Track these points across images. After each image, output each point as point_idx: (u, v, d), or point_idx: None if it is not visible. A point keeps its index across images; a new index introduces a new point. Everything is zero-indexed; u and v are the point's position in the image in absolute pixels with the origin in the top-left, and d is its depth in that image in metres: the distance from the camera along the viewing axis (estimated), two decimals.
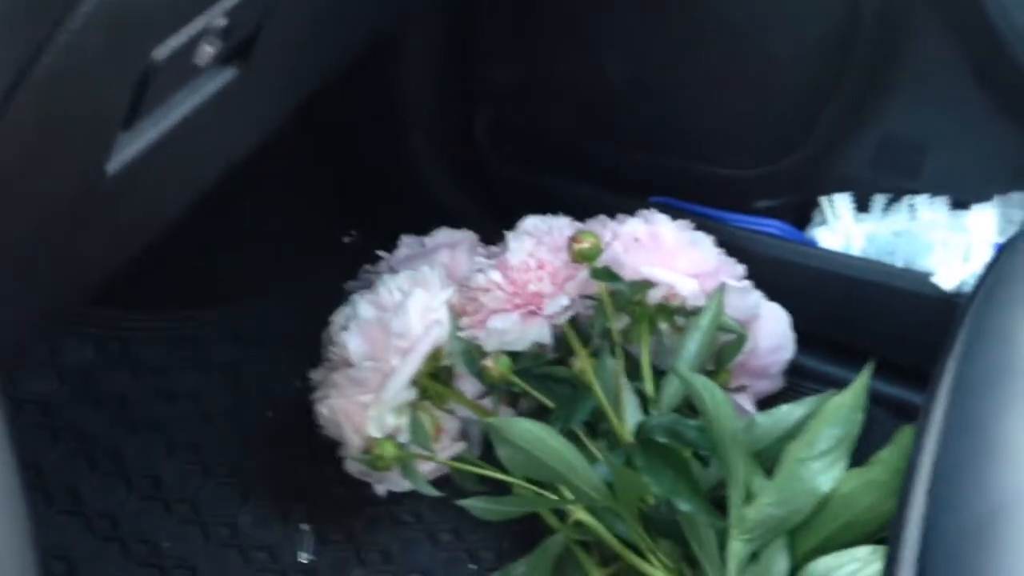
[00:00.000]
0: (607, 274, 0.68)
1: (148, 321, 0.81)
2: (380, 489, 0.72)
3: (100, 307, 0.79)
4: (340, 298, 0.76)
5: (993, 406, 0.42)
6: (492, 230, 0.77)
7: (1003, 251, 0.56)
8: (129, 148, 0.40)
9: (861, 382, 0.63)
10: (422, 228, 0.82)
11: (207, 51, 0.41)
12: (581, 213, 0.75)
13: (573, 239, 0.68)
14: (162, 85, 0.40)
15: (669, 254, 0.71)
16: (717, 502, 0.63)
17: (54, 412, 0.75)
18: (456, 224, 0.82)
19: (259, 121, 0.55)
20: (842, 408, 0.61)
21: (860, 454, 0.70)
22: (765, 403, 0.75)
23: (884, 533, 0.59)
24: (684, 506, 0.61)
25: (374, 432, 0.68)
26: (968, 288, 0.72)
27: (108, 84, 0.37)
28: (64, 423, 0.74)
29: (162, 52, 0.38)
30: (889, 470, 0.59)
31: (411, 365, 0.68)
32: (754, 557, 0.62)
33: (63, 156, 0.37)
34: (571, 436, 0.69)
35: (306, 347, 0.76)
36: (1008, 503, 0.37)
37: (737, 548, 0.61)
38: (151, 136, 0.41)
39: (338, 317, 0.73)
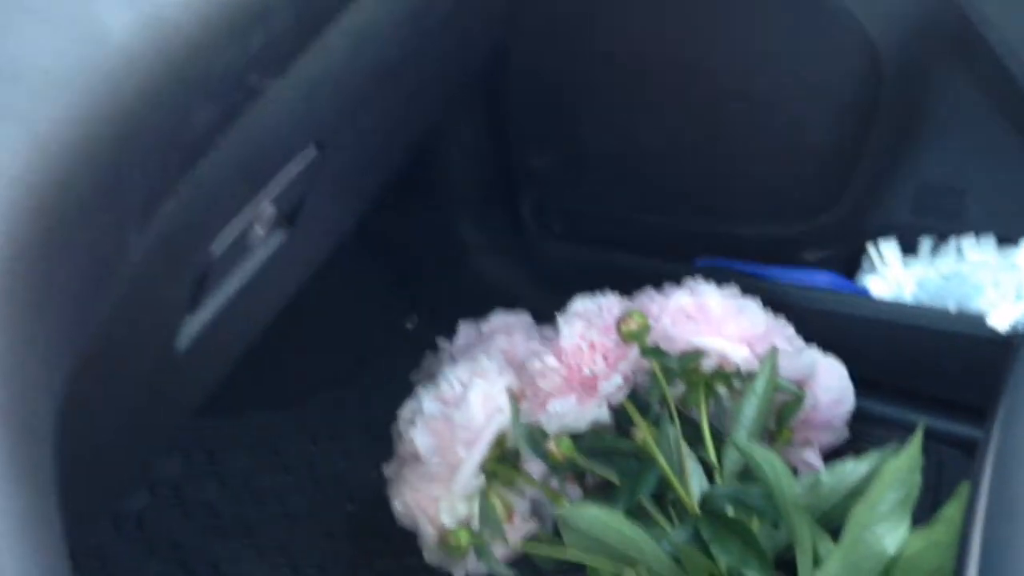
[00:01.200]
0: (657, 352, 0.70)
1: (228, 428, 0.85)
2: (459, 574, 0.74)
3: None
4: (406, 385, 0.79)
5: None
6: (546, 307, 0.79)
7: None
8: (195, 325, 0.43)
9: (915, 442, 0.63)
10: (479, 309, 0.85)
11: (258, 232, 0.44)
12: (630, 283, 0.77)
13: (621, 320, 0.70)
14: (219, 270, 0.43)
15: (717, 323, 0.72)
16: (788, 565, 0.64)
17: (149, 525, 0.79)
18: (511, 303, 0.85)
19: (312, 263, 0.59)
20: (900, 470, 0.61)
21: (935, 498, 0.69)
22: (833, 454, 0.75)
23: None
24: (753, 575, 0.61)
25: (447, 522, 0.70)
26: (1023, 327, 0.71)
27: (171, 286, 0.40)
28: (159, 535, 0.78)
29: (218, 247, 0.41)
30: (952, 530, 0.59)
31: (477, 455, 0.70)
32: None
33: (137, 345, 0.40)
34: (639, 508, 0.70)
35: (378, 436, 0.79)
36: None
37: None
38: (213, 311, 0.44)
39: (405, 412, 0.76)
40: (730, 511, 0.65)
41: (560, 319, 0.74)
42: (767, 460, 0.63)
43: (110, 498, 0.54)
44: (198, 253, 0.41)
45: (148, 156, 0.33)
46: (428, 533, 0.72)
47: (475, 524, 0.71)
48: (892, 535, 0.60)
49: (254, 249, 0.46)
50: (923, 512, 0.63)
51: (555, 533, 0.72)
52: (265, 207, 0.44)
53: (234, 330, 0.50)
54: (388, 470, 0.76)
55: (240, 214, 0.43)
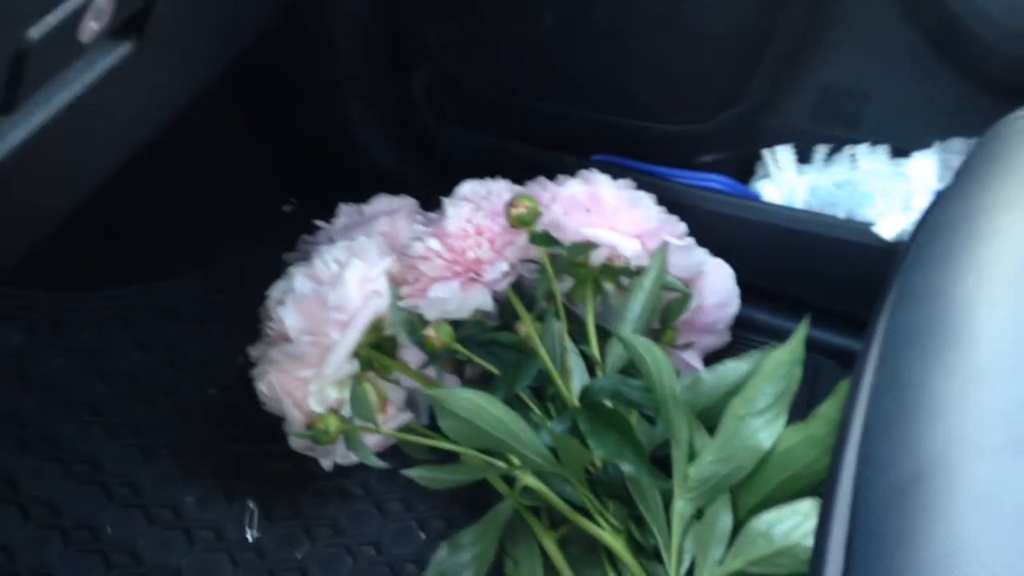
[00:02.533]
0: (546, 239, 0.67)
1: (80, 301, 0.79)
2: (326, 463, 0.71)
3: (28, 288, 0.77)
4: (279, 269, 0.74)
5: (918, 363, 0.41)
6: (433, 194, 0.75)
7: (934, 205, 0.55)
8: (12, 135, 0.38)
9: (798, 337, 0.63)
10: (362, 194, 0.80)
11: (92, 26, 0.38)
12: (522, 173, 0.74)
13: (510, 204, 0.67)
14: (42, 65, 0.37)
15: (610, 215, 0.70)
16: (663, 460, 0.63)
17: None
18: (397, 189, 0.81)
19: (166, 96, 0.53)
20: (780, 364, 0.61)
21: (808, 405, 0.70)
22: (712, 358, 0.75)
23: (824, 484, 0.60)
24: (628, 468, 0.60)
25: (316, 407, 0.67)
26: (907, 236, 0.72)
27: None
28: None
29: (36, 31, 0.35)
30: (828, 425, 0.59)
31: (351, 338, 0.67)
32: (699, 515, 0.62)
33: None
34: (518, 401, 0.68)
35: (246, 321, 0.74)
36: (931, 465, 0.37)
37: (681, 507, 0.61)
38: (36, 120, 0.39)
39: (275, 291, 0.71)
40: (609, 406, 0.64)
41: (446, 202, 0.71)
42: (649, 351, 0.62)
43: None
44: (10, 32, 0.35)
45: None
46: (295, 418, 0.68)
47: (346, 411, 0.68)
48: (768, 429, 0.60)
49: (90, 54, 0.40)
50: (796, 419, 0.63)
51: (429, 425, 0.70)
52: None
53: (64, 157, 0.44)
54: (254, 351, 0.72)
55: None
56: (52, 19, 0.36)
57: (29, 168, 0.40)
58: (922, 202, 0.73)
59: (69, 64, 0.40)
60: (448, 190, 0.72)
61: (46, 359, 0.75)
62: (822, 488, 0.59)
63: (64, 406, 0.73)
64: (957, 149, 0.75)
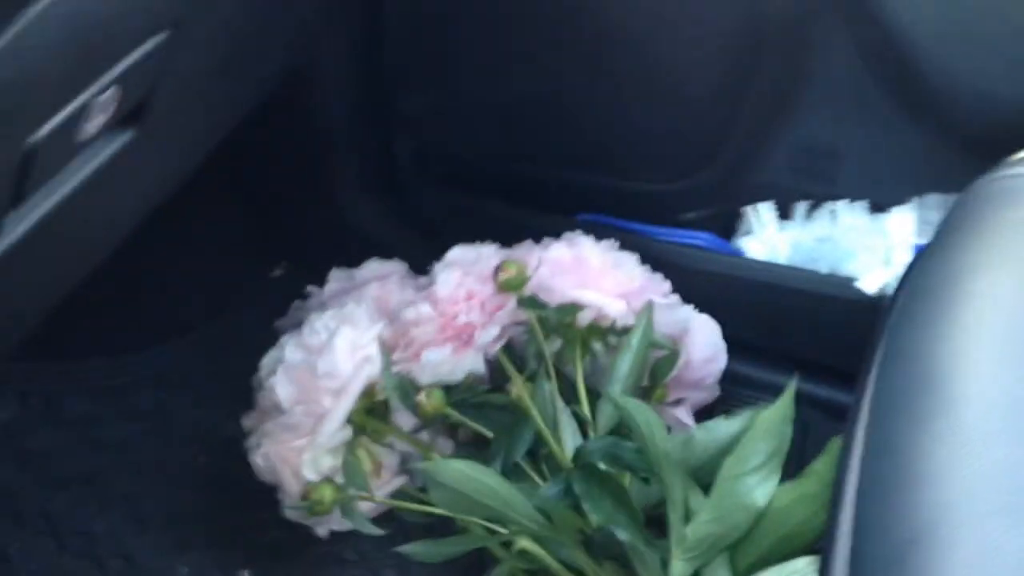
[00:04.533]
0: (533, 302, 0.68)
1: (70, 372, 0.79)
2: (321, 531, 0.71)
3: (19, 361, 0.77)
4: (271, 334, 0.75)
5: (907, 427, 0.42)
6: (423, 257, 0.76)
7: (915, 263, 0.57)
8: (19, 227, 0.38)
9: (787, 396, 0.64)
10: (352, 257, 0.81)
11: (95, 123, 0.39)
12: (509, 235, 0.75)
13: (498, 269, 0.68)
14: (47, 162, 0.38)
15: (595, 276, 0.71)
16: (660, 519, 0.64)
17: None
18: (387, 252, 0.82)
19: (164, 177, 0.54)
20: (771, 423, 0.62)
21: (799, 460, 0.71)
22: (703, 413, 0.76)
23: (819, 541, 0.60)
24: (622, 535, 0.61)
25: (311, 475, 0.67)
26: (890, 290, 0.73)
27: None
28: None
29: (41, 133, 0.36)
30: (822, 482, 0.60)
31: (343, 406, 0.67)
32: (696, 575, 0.62)
33: None
34: (512, 464, 0.68)
35: (237, 387, 0.75)
36: (924, 531, 0.38)
37: (679, 568, 0.61)
38: (42, 211, 0.39)
39: (267, 361, 0.72)
40: (603, 467, 0.65)
41: (436, 267, 0.72)
42: (640, 413, 0.63)
43: None
44: (17, 137, 0.36)
45: None
46: (290, 486, 0.68)
47: (341, 477, 0.68)
48: (762, 487, 0.60)
49: (92, 145, 0.41)
50: (789, 473, 0.64)
51: (424, 488, 0.70)
52: (106, 94, 0.39)
53: (66, 242, 0.45)
54: (247, 421, 0.72)
55: (73, 100, 0.37)
56: (57, 119, 0.37)
57: (33, 255, 0.41)
58: (903, 257, 0.75)
59: (73, 156, 0.41)
60: (437, 253, 0.73)
61: (39, 431, 0.75)
62: (817, 545, 0.60)
63: (57, 479, 0.73)
64: (934, 204, 0.77)
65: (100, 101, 0.39)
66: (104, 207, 0.46)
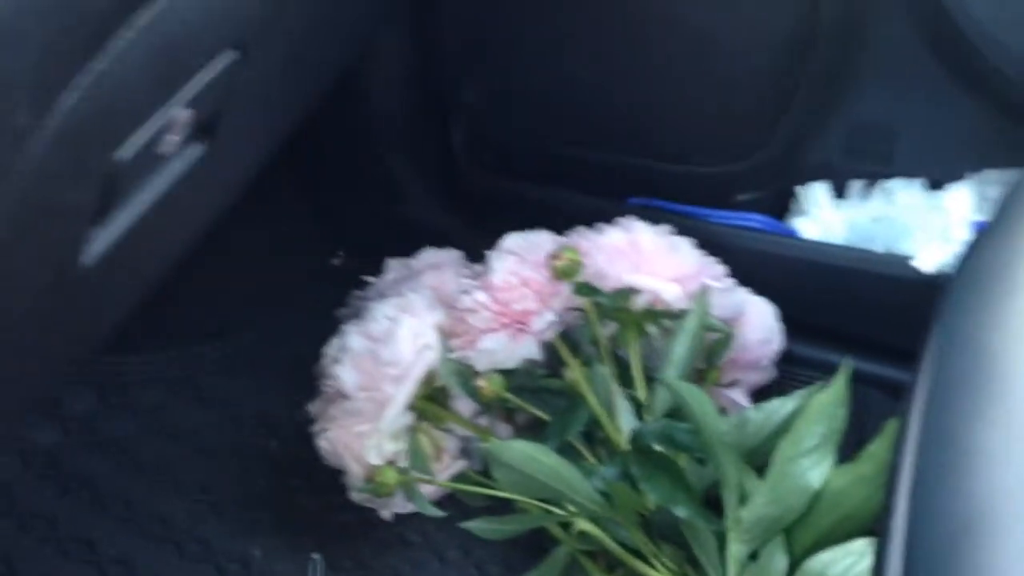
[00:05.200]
0: (589, 289, 0.69)
1: (143, 363, 0.82)
2: (386, 513, 0.73)
3: (96, 354, 0.80)
4: (331, 322, 0.77)
5: (962, 414, 0.42)
6: (477, 244, 0.77)
7: (975, 243, 0.56)
8: (103, 239, 0.41)
9: (841, 378, 0.64)
10: (408, 245, 0.83)
11: (171, 140, 0.41)
12: (562, 220, 0.76)
13: (553, 256, 0.69)
14: (129, 179, 0.40)
15: (650, 260, 0.72)
16: (715, 501, 0.64)
17: (60, 462, 0.76)
18: (442, 239, 0.83)
19: (233, 184, 0.56)
20: (826, 405, 0.62)
21: (859, 437, 0.71)
22: (759, 394, 0.76)
23: (876, 523, 0.60)
24: (681, 512, 0.62)
25: (374, 460, 0.69)
26: (948, 268, 0.73)
27: (71, 193, 0.37)
28: (72, 472, 0.75)
29: (125, 153, 0.38)
30: (877, 464, 0.60)
31: (405, 392, 0.69)
32: (753, 556, 0.63)
33: (36, 256, 0.38)
34: (568, 446, 0.70)
35: (301, 373, 0.77)
36: (981, 515, 0.38)
37: (736, 549, 0.62)
38: (123, 225, 0.42)
39: (330, 349, 0.74)
40: (659, 449, 0.66)
41: (491, 255, 0.73)
42: (695, 397, 0.63)
43: (11, 430, 0.51)
44: (103, 156, 0.38)
45: (42, 27, 0.30)
46: (354, 471, 0.71)
47: (403, 463, 0.70)
48: (817, 469, 0.61)
49: (169, 160, 0.43)
50: (847, 453, 0.64)
51: (483, 472, 0.72)
52: (181, 114, 0.41)
53: (147, 249, 0.47)
54: (313, 408, 0.75)
55: (152, 119, 0.40)
56: (137, 139, 0.39)
57: (116, 265, 0.43)
58: (960, 234, 0.74)
59: (152, 173, 0.43)
60: (490, 241, 0.74)
61: (116, 421, 0.78)
62: (874, 527, 0.60)
63: (135, 466, 0.76)
64: (992, 180, 0.76)
65: (176, 120, 0.41)
66: (180, 217, 0.49)
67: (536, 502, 0.66)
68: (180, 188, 0.44)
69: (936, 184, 0.77)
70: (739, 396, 0.76)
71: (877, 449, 0.61)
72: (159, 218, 0.44)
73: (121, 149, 0.39)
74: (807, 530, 0.61)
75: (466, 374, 0.70)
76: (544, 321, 0.70)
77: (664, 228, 0.74)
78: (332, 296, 0.84)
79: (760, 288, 0.76)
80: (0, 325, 0.38)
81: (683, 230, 0.75)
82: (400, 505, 0.73)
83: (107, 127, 0.37)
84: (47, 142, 0.33)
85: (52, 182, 0.35)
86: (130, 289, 0.50)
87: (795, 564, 0.61)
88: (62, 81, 0.33)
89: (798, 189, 0.80)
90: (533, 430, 0.72)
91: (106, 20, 0.33)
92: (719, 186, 0.82)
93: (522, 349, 0.70)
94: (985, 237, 0.54)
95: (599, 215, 0.76)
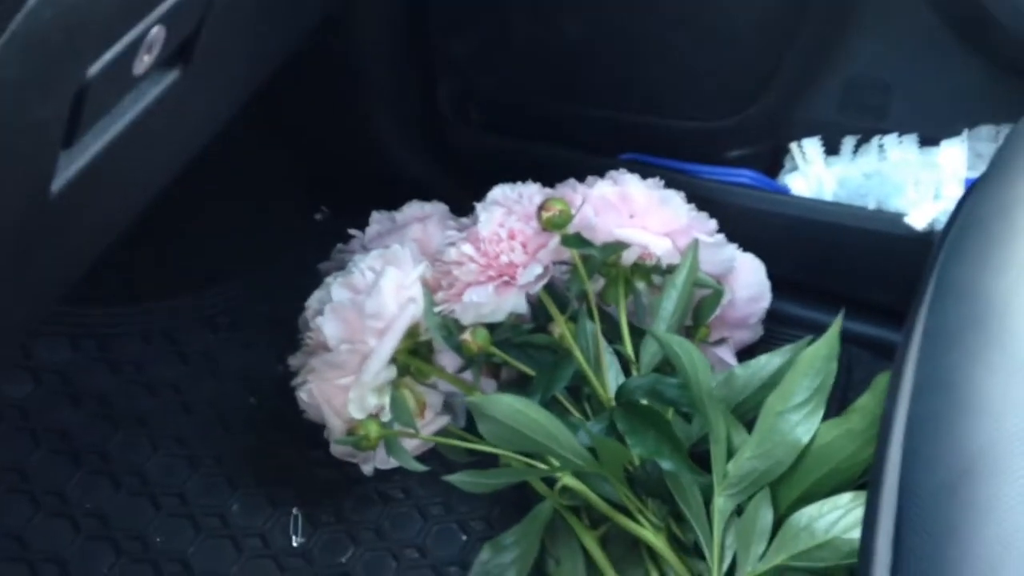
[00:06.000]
0: (578, 240, 0.68)
1: (122, 316, 0.81)
2: (367, 468, 0.72)
3: (72, 305, 0.79)
4: (314, 277, 0.76)
5: (961, 360, 0.42)
6: (462, 199, 0.76)
7: (967, 196, 0.55)
8: (73, 165, 0.39)
9: (833, 331, 0.63)
10: (392, 201, 0.81)
11: (144, 60, 0.40)
12: (551, 175, 0.75)
13: (542, 207, 0.68)
14: (100, 99, 0.39)
15: (640, 214, 0.70)
16: (701, 456, 0.64)
17: (33, 414, 0.74)
18: (426, 195, 0.82)
19: (209, 117, 0.54)
20: (816, 359, 0.62)
21: (843, 396, 0.70)
22: (746, 352, 0.75)
23: (865, 479, 0.60)
24: (667, 465, 0.61)
25: (356, 413, 0.68)
26: (940, 226, 0.72)
27: (40, 108, 0.36)
28: (44, 424, 0.74)
29: (95, 69, 0.37)
30: (867, 418, 0.59)
31: (388, 345, 0.68)
32: (739, 511, 0.62)
33: (3, 178, 0.36)
34: (554, 402, 0.69)
35: (283, 329, 0.76)
36: (978, 461, 0.37)
37: (721, 503, 0.61)
38: (94, 150, 0.40)
39: (312, 301, 0.72)
40: (645, 404, 0.65)
41: (478, 207, 0.72)
42: (684, 349, 0.63)
43: None
44: (74, 70, 0.36)
45: None
46: (335, 425, 0.69)
47: (385, 417, 0.69)
48: (806, 423, 0.60)
49: (142, 83, 0.42)
50: (832, 410, 0.64)
51: (467, 428, 0.71)
52: (155, 32, 0.39)
53: (119, 181, 0.46)
54: (294, 361, 0.73)
55: (125, 36, 0.38)
56: (109, 55, 0.37)
57: (85, 195, 0.41)
58: (953, 191, 0.73)
59: (123, 96, 0.41)
60: (477, 195, 0.73)
61: (93, 374, 0.77)
62: (862, 481, 0.60)
63: (111, 420, 0.75)
64: (986, 136, 0.75)
65: (147, 40, 0.39)
66: (153, 146, 0.47)
67: (520, 457, 0.65)
68: (153, 114, 0.43)
69: (930, 140, 0.76)
70: (726, 354, 0.76)
71: (866, 402, 0.60)
72: (132, 146, 0.42)
73: (92, 64, 0.37)
74: (794, 484, 0.61)
75: (451, 328, 0.69)
76: (531, 274, 0.68)
77: (655, 182, 0.73)
78: (315, 252, 0.82)
79: (750, 245, 0.75)
80: None
81: (673, 185, 0.74)
82: (382, 460, 0.72)
83: (76, 38, 0.36)
84: (11, 49, 0.31)
85: (18, 94, 0.34)
86: (102, 224, 0.49)
87: (781, 518, 0.60)
88: None
89: (790, 145, 0.79)
90: (518, 385, 0.71)
91: None
92: (711, 142, 0.81)
93: (508, 302, 0.69)
94: (979, 187, 0.54)
95: (589, 170, 0.75)
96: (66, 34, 0.34)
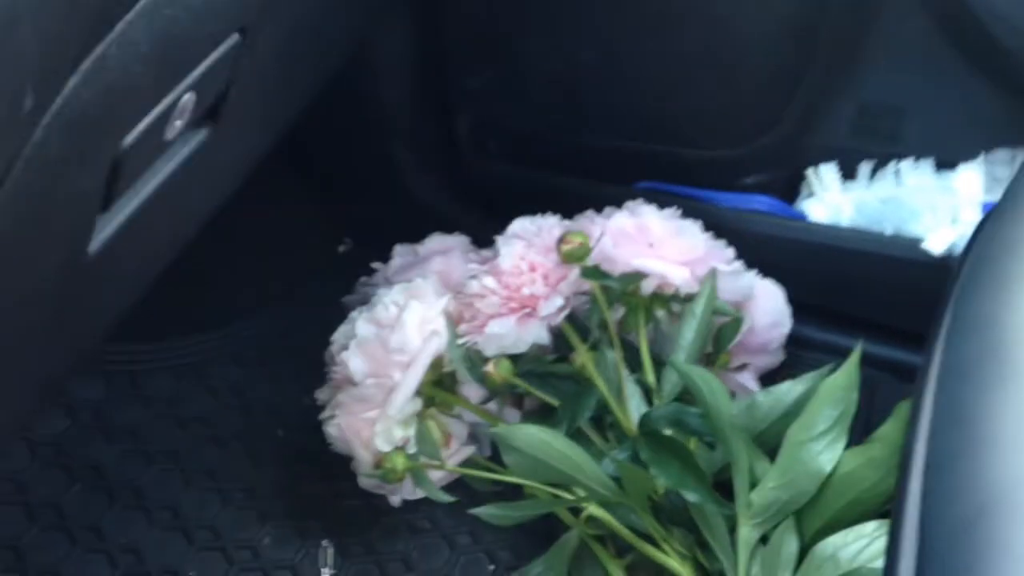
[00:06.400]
0: (597, 272, 0.69)
1: (153, 352, 0.82)
2: (395, 500, 0.73)
3: (104, 343, 0.80)
4: (338, 309, 0.77)
5: (978, 394, 0.42)
6: (483, 230, 0.77)
7: (985, 222, 0.56)
8: (108, 227, 0.41)
9: (853, 360, 0.63)
10: (414, 232, 0.83)
11: (176, 125, 0.41)
12: (569, 205, 0.76)
13: (561, 240, 0.69)
14: (134, 165, 0.40)
15: (658, 244, 0.71)
16: (725, 484, 0.64)
17: (68, 450, 0.76)
18: (447, 226, 0.83)
19: (237, 168, 0.56)
20: (837, 388, 0.62)
21: (866, 421, 0.70)
22: (768, 378, 0.76)
23: (888, 506, 0.60)
24: (691, 496, 0.62)
25: (383, 446, 0.69)
26: (958, 250, 0.72)
27: (79, 179, 0.37)
28: (79, 460, 0.75)
29: (130, 139, 0.38)
30: (889, 446, 0.60)
31: (413, 378, 0.69)
32: (764, 540, 0.63)
33: (43, 246, 0.38)
34: (577, 431, 0.70)
35: (308, 362, 0.77)
36: (996, 498, 0.38)
37: (746, 533, 0.62)
38: (128, 211, 0.42)
39: (338, 336, 0.74)
40: (668, 433, 0.65)
41: (499, 240, 0.73)
42: (705, 380, 0.63)
43: (19, 419, 0.51)
44: (110, 142, 0.38)
45: (48, 10, 0.30)
46: (363, 457, 0.70)
47: (411, 449, 0.70)
48: (829, 452, 0.61)
49: (173, 146, 0.43)
50: (855, 436, 0.64)
51: (492, 458, 0.72)
52: (185, 98, 0.41)
53: (152, 236, 0.47)
54: (321, 395, 0.75)
55: (157, 105, 0.39)
56: (142, 125, 0.39)
57: (121, 252, 0.43)
58: (970, 215, 0.74)
59: (157, 159, 0.43)
60: (496, 226, 0.74)
61: (125, 409, 0.78)
62: (886, 509, 0.60)
63: (144, 454, 0.76)
64: (1002, 160, 0.75)
65: (179, 107, 0.41)
66: (185, 202, 0.49)
67: (545, 487, 0.66)
68: (184, 173, 0.44)
69: (945, 164, 0.77)
70: (748, 380, 0.76)
71: (888, 431, 0.61)
72: (164, 204, 0.44)
73: (127, 135, 0.38)
74: (818, 513, 0.61)
75: (475, 360, 0.70)
76: (553, 306, 0.69)
77: (672, 211, 0.74)
78: (339, 284, 0.84)
79: (769, 271, 0.76)
80: (7, 314, 0.38)
81: (691, 214, 0.74)
82: (409, 491, 0.73)
83: (113, 113, 0.37)
84: (53, 128, 0.33)
85: (59, 169, 0.35)
86: (136, 276, 0.50)
87: (806, 547, 0.61)
88: (68, 66, 0.33)
89: (806, 172, 0.80)
90: (541, 415, 0.71)
91: (111, 4, 0.33)
92: (727, 169, 0.82)
93: (530, 334, 0.70)
94: (995, 217, 0.54)
95: (606, 199, 0.75)
96: (104, 110, 0.36)
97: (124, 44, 0.35)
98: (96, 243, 0.40)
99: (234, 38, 0.43)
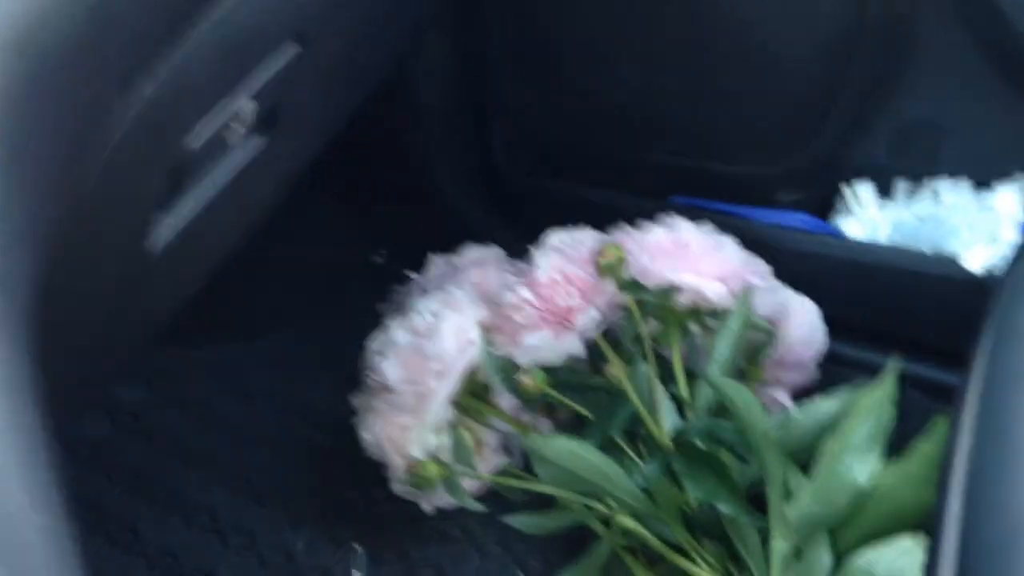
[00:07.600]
0: (634, 285, 0.69)
1: (193, 357, 0.84)
2: (427, 507, 0.74)
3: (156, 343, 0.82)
4: (373, 318, 0.78)
5: (1021, 412, 0.42)
6: (518, 242, 0.78)
7: None
8: (170, 227, 0.42)
9: (890, 375, 0.63)
10: (449, 243, 0.83)
11: (236, 131, 0.43)
12: (603, 219, 0.76)
13: (597, 253, 0.69)
14: (196, 168, 0.42)
15: (694, 259, 0.72)
16: (758, 498, 0.64)
17: (108, 453, 0.77)
18: (482, 237, 0.84)
19: (289, 175, 0.57)
20: (873, 403, 0.62)
21: (900, 439, 0.70)
22: (802, 394, 0.76)
23: (924, 522, 0.60)
24: (724, 509, 0.62)
25: (416, 453, 0.70)
26: (996, 270, 0.72)
27: (144, 176, 0.39)
28: (119, 462, 0.77)
29: (195, 142, 0.40)
30: (926, 462, 0.59)
31: (448, 387, 0.69)
32: (797, 554, 0.62)
33: (108, 242, 0.39)
34: (611, 443, 0.70)
35: (343, 368, 0.78)
36: None
37: (779, 547, 0.62)
38: (189, 212, 0.43)
39: (374, 343, 0.75)
40: (702, 446, 0.66)
41: (535, 252, 0.73)
42: (739, 394, 0.63)
43: (69, 416, 0.53)
44: (174, 143, 0.39)
45: (129, 17, 0.31)
46: (396, 464, 0.71)
47: (445, 456, 0.70)
48: (864, 467, 0.60)
49: (232, 150, 0.45)
50: (888, 453, 0.64)
51: (525, 467, 0.72)
52: (245, 105, 0.42)
53: (209, 237, 0.49)
54: (356, 401, 0.75)
55: (219, 108, 0.41)
56: (206, 128, 0.40)
57: (179, 252, 0.44)
58: (1008, 234, 0.73)
59: (216, 164, 0.44)
60: (531, 238, 0.75)
61: (165, 413, 0.80)
62: (921, 522, 0.60)
63: (183, 458, 0.78)
64: None
65: (242, 111, 0.42)
66: (240, 207, 0.50)
67: (577, 497, 0.66)
68: (241, 178, 0.46)
69: (983, 184, 0.76)
70: (781, 395, 0.76)
71: (926, 447, 0.60)
72: (221, 207, 0.45)
73: (190, 137, 0.40)
74: (853, 528, 0.61)
75: (509, 370, 0.71)
76: (588, 318, 0.70)
77: (708, 226, 0.74)
78: (375, 293, 0.85)
79: (804, 288, 0.75)
80: (65, 310, 0.39)
81: (726, 229, 0.75)
82: (441, 499, 0.73)
83: (179, 115, 0.39)
84: (126, 126, 0.34)
85: (125, 167, 0.36)
86: (191, 277, 0.52)
87: (840, 561, 0.61)
88: (147, 65, 0.34)
89: (843, 188, 0.80)
90: (574, 426, 0.72)
91: (187, 9, 0.35)
92: (763, 186, 0.82)
93: (565, 346, 0.70)
94: None
95: (640, 214, 0.76)
96: (172, 111, 0.37)
97: (196, 49, 0.36)
98: (156, 242, 0.41)
99: (293, 48, 0.44)
